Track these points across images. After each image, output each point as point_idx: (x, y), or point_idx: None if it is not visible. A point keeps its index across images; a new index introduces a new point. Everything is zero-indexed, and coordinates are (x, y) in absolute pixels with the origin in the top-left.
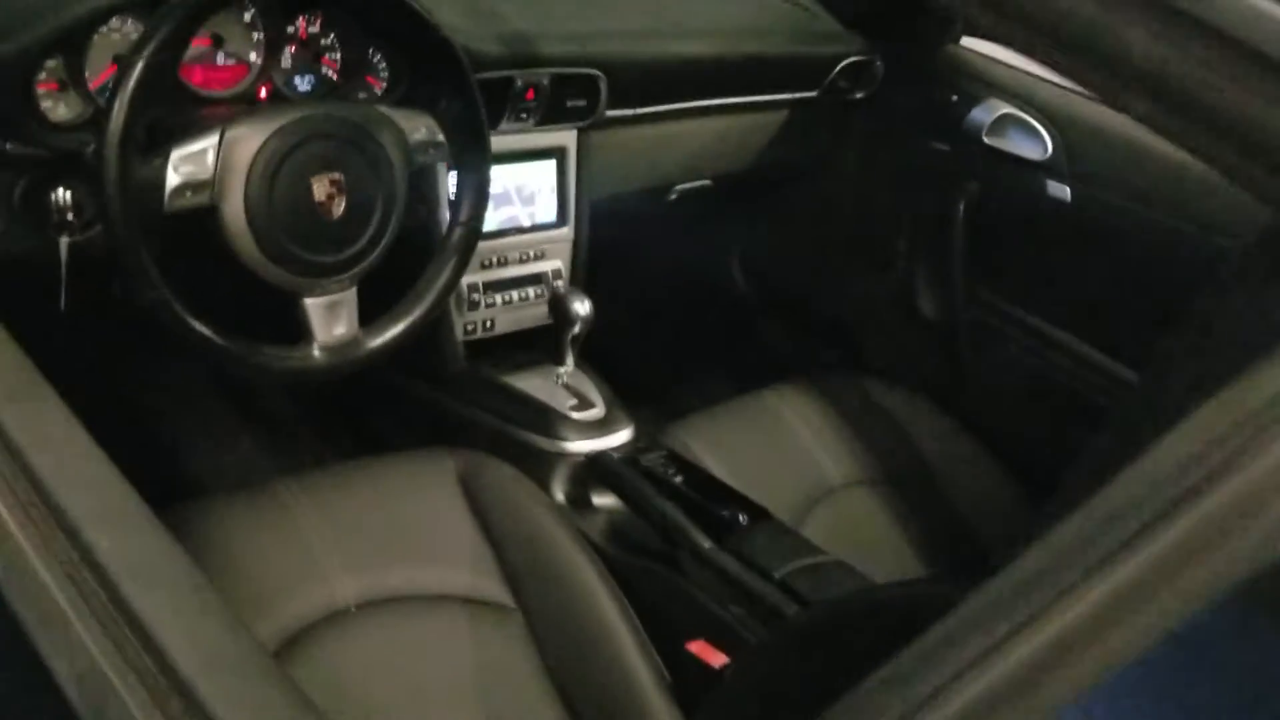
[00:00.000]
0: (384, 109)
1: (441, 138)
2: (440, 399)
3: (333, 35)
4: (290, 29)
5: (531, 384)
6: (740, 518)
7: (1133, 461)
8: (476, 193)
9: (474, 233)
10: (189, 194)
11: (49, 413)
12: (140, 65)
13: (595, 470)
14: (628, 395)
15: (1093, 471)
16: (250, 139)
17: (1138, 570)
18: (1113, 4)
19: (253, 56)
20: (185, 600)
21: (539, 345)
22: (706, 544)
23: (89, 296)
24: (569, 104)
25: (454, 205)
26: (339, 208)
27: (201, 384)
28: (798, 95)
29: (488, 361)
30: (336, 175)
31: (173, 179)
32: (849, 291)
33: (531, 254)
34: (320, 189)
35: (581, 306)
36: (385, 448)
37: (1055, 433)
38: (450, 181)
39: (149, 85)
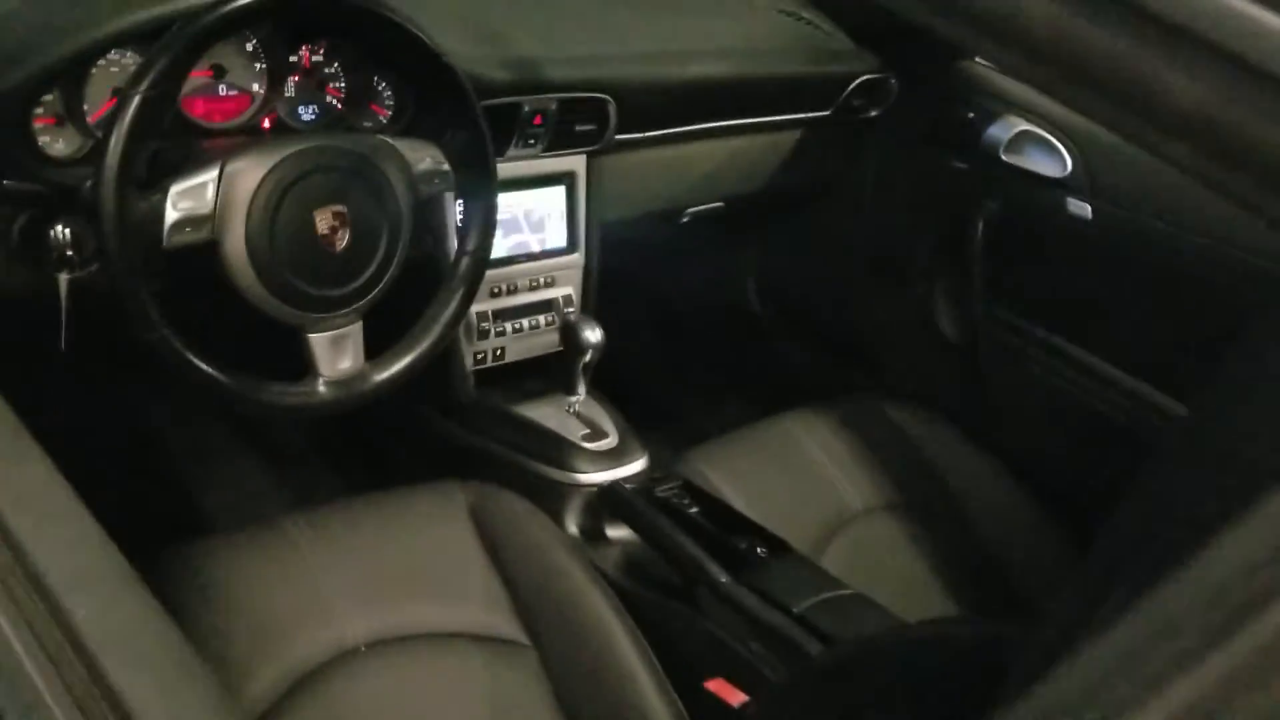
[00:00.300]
0: (388, 139)
1: (447, 167)
2: (450, 429)
3: (337, 64)
4: (293, 58)
5: (543, 413)
6: (758, 550)
7: (1190, 558)
8: (483, 222)
9: (481, 263)
10: (189, 230)
11: (29, 469)
12: (137, 99)
13: (609, 501)
14: (641, 421)
15: (1136, 524)
16: (251, 172)
17: (1198, 691)
18: (1156, 41)
19: (255, 87)
20: (168, 675)
21: (550, 373)
22: (724, 578)
23: (91, 334)
24: (578, 129)
25: (461, 235)
26: (343, 241)
27: (210, 416)
28: (811, 115)
29: (498, 390)
30: (340, 208)
31: (172, 215)
32: (866, 312)
33: (542, 281)
34: (323, 222)
35: (593, 334)
36: (395, 478)
37: (1078, 455)
38: (457, 210)
39: (147, 119)
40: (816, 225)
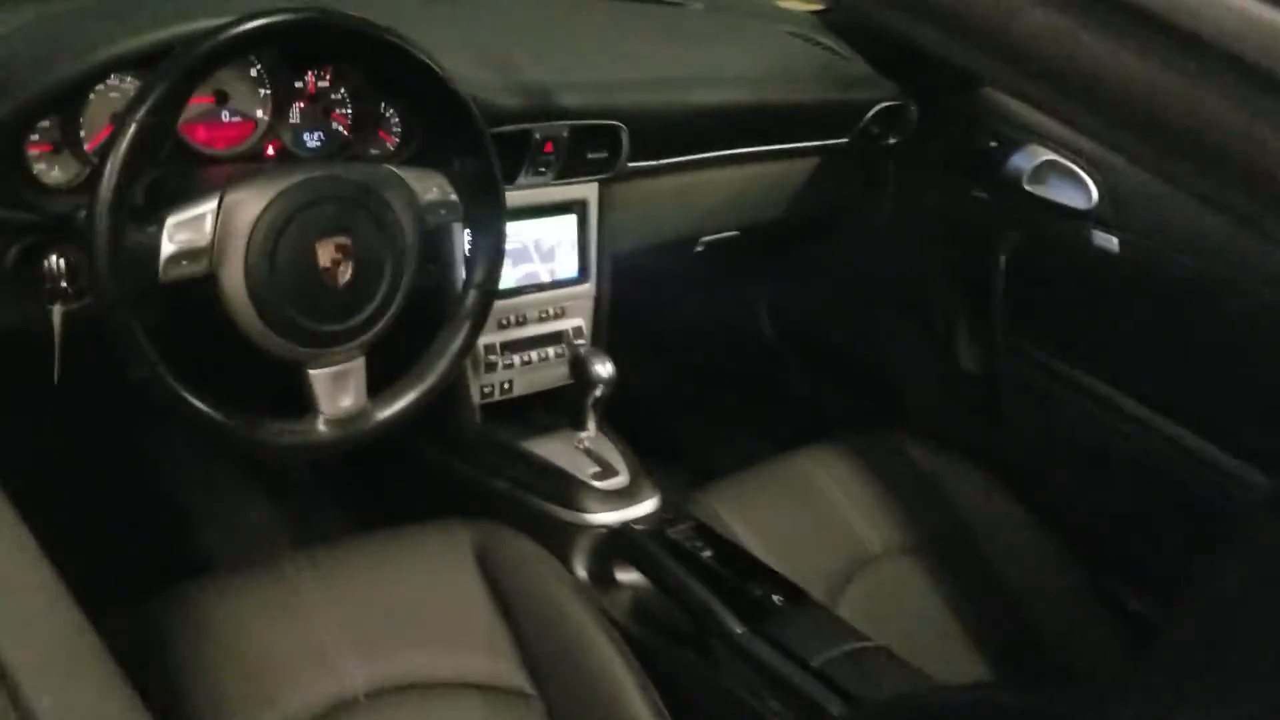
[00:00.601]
0: (393, 168)
1: (455, 197)
2: (455, 465)
3: (343, 90)
4: (298, 84)
5: (551, 449)
6: (774, 598)
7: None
8: (491, 254)
9: (489, 295)
10: (185, 263)
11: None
12: (133, 127)
13: (619, 544)
14: (653, 455)
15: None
16: (251, 203)
17: None
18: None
19: (259, 113)
20: None
21: (559, 407)
22: (739, 629)
23: (85, 367)
24: (589, 156)
25: (468, 267)
26: (346, 274)
27: (209, 448)
28: (828, 142)
29: (505, 425)
30: (343, 239)
31: (168, 247)
32: (883, 345)
33: (551, 312)
34: (325, 254)
35: (604, 368)
36: (399, 512)
37: (1104, 497)
38: (465, 240)
39: (144, 147)
40: (832, 255)
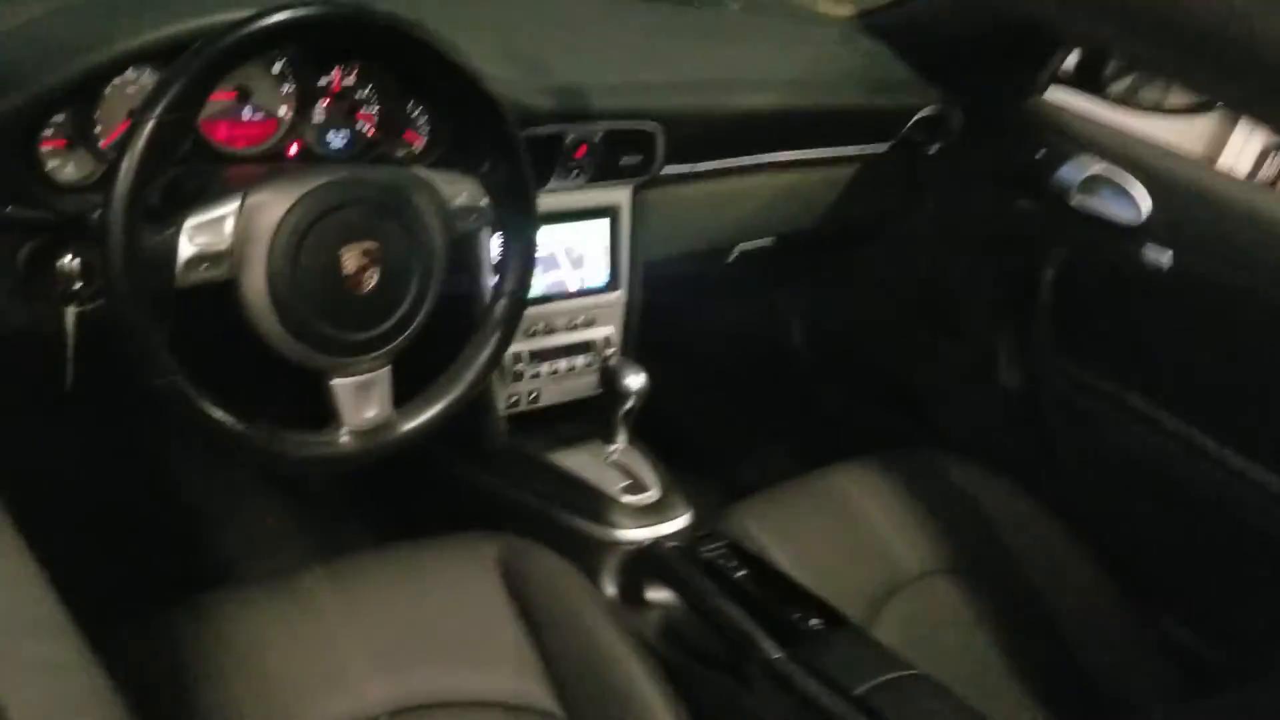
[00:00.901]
0: (422, 171)
1: (485, 202)
2: (479, 477)
3: (369, 88)
4: (323, 81)
5: (579, 462)
6: (812, 622)
7: None
8: (522, 261)
9: (519, 304)
10: (204, 266)
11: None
12: (151, 124)
13: (649, 562)
14: (682, 468)
15: None
16: (274, 205)
17: None
18: None
19: (282, 111)
20: None
21: (587, 418)
22: (776, 654)
23: (98, 371)
24: (623, 160)
25: (498, 275)
26: (371, 280)
27: (226, 457)
28: (868, 149)
29: (531, 436)
30: (369, 245)
31: (186, 250)
32: (921, 359)
33: (581, 320)
34: (351, 260)
35: (635, 380)
36: (421, 524)
37: (1152, 523)
38: (493, 246)
39: (162, 145)
40: (869, 265)
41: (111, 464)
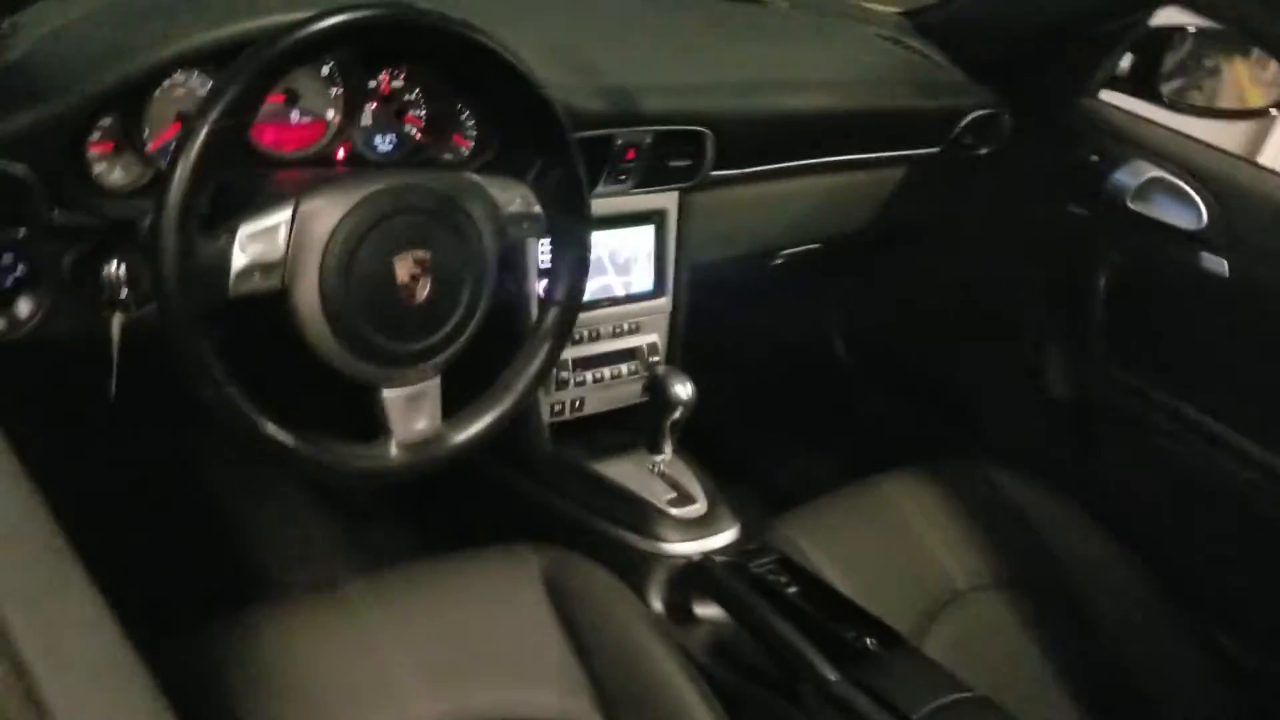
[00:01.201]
0: (475, 177)
1: (539, 209)
2: (522, 485)
3: (417, 91)
4: (372, 84)
5: (624, 472)
6: (868, 641)
7: None
8: (575, 269)
9: (571, 312)
10: (257, 276)
11: (40, 555)
12: (205, 130)
13: (697, 576)
14: (725, 477)
15: None
16: (327, 214)
17: None
18: None
19: (330, 114)
20: None
21: (632, 426)
22: (832, 675)
23: (144, 381)
24: (671, 164)
25: (549, 283)
26: (424, 290)
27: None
28: (919, 151)
29: (575, 445)
30: (422, 254)
31: (240, 260)
32: (969, 366)
33: (626, 327)
34: (404, 269)
35: (683, 389)
36: (464, 533)
37: (1208, 538)
38: (540, 252)
39: (215, 152)
40: (914, 269)
41: (157, 473)
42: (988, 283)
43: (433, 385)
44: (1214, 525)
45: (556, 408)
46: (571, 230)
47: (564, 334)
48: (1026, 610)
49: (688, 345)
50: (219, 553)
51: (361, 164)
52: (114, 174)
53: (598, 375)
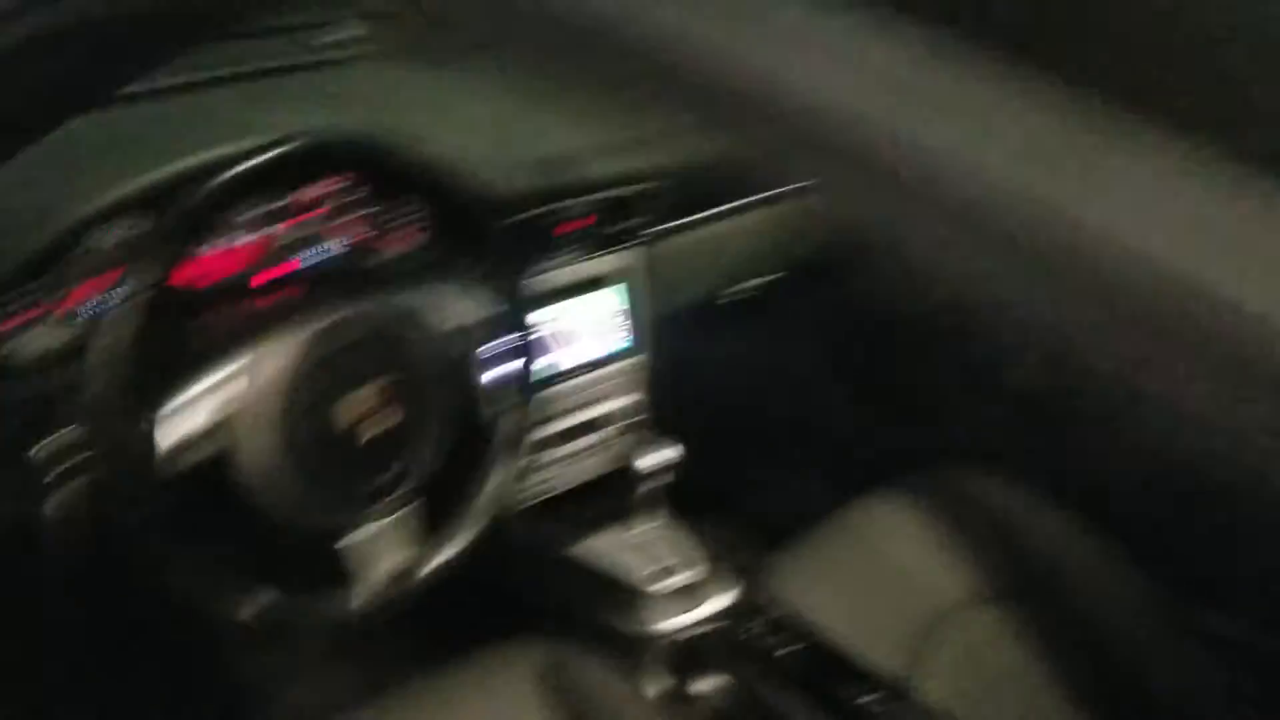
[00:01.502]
0: (409, 300)
1: (484, 315)
2: (499, 581)
3: (346, 200)
4: (303, 195)
5: (603, 548)
6: (870, 699)
7: None
8: (520, 370)
9: (523, 413)
10: (192, 450)
11: None
12: (135, 306)
13: (688, 655)
14: (711, 519)
15: None
16: (264, 366)
17: None
18: None
19: (256, 235)
20: None
21: (610, 495)
22: None
23: (91, 563)
24: (629, 222)
25: (495, 391)
26: (375, 426)
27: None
28: None
29: (548, 527)
30: (367, 391)
31: (173, 436)
32: (929, 372)
33: (597, 395)
34: (350, 411)
35: (661, 455)
36: (458, 640)
37: (1196, 521)
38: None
39: (148, 325)
40: (882, 281)
41: (127, 609)
42: (940, 286)
43: (395, 520)
44: (1200, 506)
45: (523, 495)
46: (510, 327)
47: (521, 436)
48: (1022, 621)
49: (671, 396)
50: (201, 688)
51: (292, 285)
52: (28, 348)
53: (566, 451)
